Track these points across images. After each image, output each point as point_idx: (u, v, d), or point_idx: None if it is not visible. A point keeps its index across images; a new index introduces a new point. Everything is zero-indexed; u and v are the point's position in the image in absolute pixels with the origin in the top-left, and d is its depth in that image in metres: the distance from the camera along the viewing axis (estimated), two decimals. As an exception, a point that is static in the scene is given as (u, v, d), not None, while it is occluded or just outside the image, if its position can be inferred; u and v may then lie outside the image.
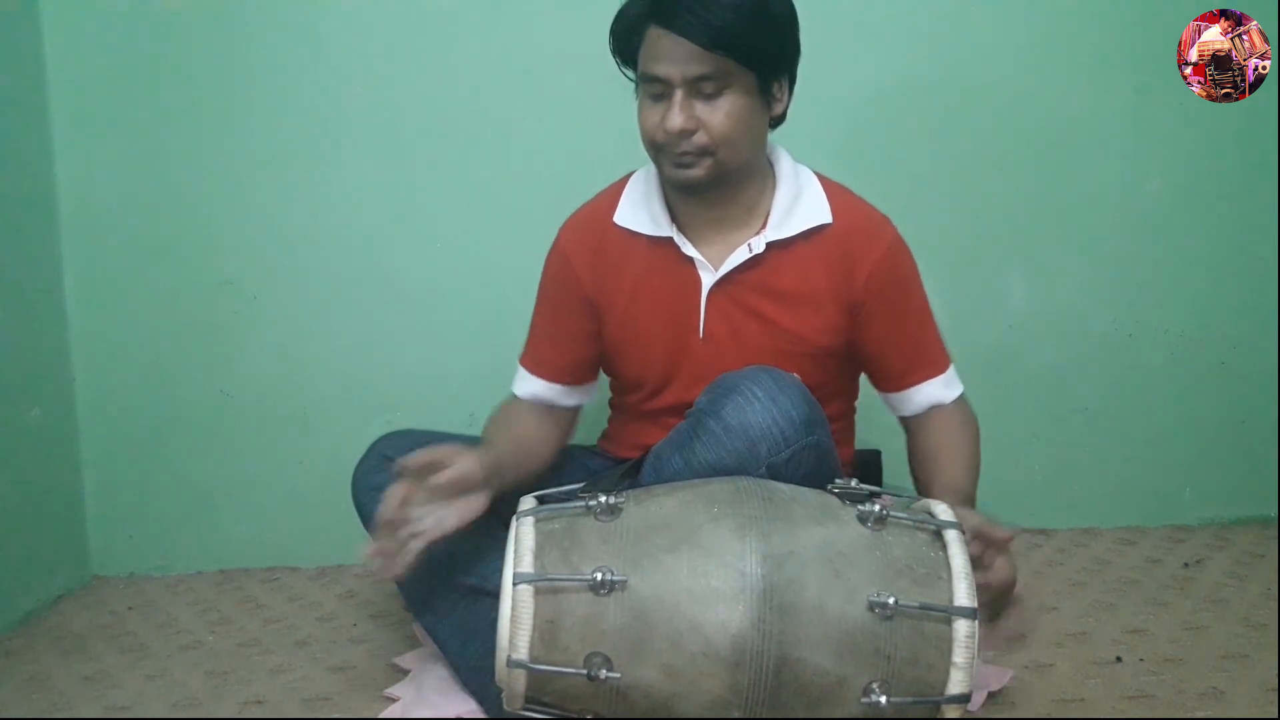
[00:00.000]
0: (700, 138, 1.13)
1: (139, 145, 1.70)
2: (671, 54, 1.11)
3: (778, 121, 1.23)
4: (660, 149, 1.16)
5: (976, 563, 0.99)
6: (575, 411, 1.37)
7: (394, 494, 1.04)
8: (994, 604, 1.03)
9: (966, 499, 1.16)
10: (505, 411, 1.34)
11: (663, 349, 1.27)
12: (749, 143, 1.17)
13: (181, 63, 1.68)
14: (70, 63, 1.68)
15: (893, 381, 1.28)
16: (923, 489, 1.22)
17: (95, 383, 1.75)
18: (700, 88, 1.12)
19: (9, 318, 1.59)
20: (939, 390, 1.27)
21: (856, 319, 1.23)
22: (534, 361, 1.34)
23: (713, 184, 1.17)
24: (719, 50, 1.09)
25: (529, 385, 1.33)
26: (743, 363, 1.19)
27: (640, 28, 1.14)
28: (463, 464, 1.07)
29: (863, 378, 1.33)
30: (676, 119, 1.12)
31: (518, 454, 1.23)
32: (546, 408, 1.33)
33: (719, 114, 1.13)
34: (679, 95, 1.12)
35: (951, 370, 1.29)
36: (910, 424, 1.30)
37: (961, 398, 1.29)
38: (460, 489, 1.07)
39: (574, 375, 1.33)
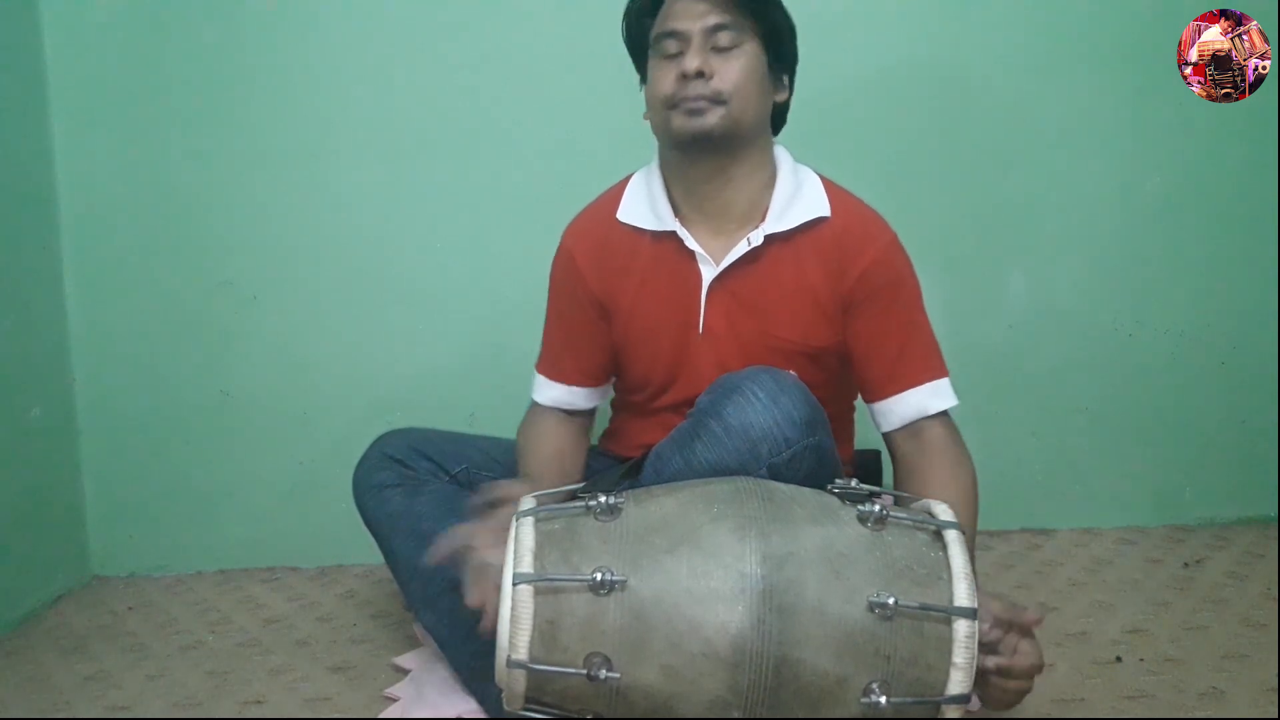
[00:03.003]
0: (715, 83, 1.16)
1: (139, 145, 1.70)
2: (691, 9, 1.17)
3: (778, 120, 1.24)
4: (674, 103, 1.18)
5: (994, 648, 0.96)
6: (593, 414, 1.37)
7: (464, 536, 1.04)
8: (1014, 693, 0.99)
9: None
10: (533, 425, 1.34)
11: (667, 346, 1.26)
12: (756, 105, 1.19)
13: (181, 62, 1.69)
14: (70, 63, 1.68)
15: (878, 389, 1.23)
16: None
17: (95, 383, 1.75)
18: (716, 39, 1.16)
19: (9, 318, 1.59)
20: (924, 398, 1.20)
21: (848, 316, 1.23)
22: (551, 367, 1.34)
23: (722, 138, 1.18)
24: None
25: (549, 391, 1.33)
26: (741, 359, 1.19)
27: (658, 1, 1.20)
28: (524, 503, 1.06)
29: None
30: (694, 60, 1.15)
31: (563, 478, 1.24)
32: (568, 413, 1.34)
33: (734, 66, 1.17)
34: (696, 42, 1.16)
35: (944, 383, 1.22)
36: (897, 443, 1.23)
37: (949, 419, 1.22)
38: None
39: (592, 377, 1.33)
